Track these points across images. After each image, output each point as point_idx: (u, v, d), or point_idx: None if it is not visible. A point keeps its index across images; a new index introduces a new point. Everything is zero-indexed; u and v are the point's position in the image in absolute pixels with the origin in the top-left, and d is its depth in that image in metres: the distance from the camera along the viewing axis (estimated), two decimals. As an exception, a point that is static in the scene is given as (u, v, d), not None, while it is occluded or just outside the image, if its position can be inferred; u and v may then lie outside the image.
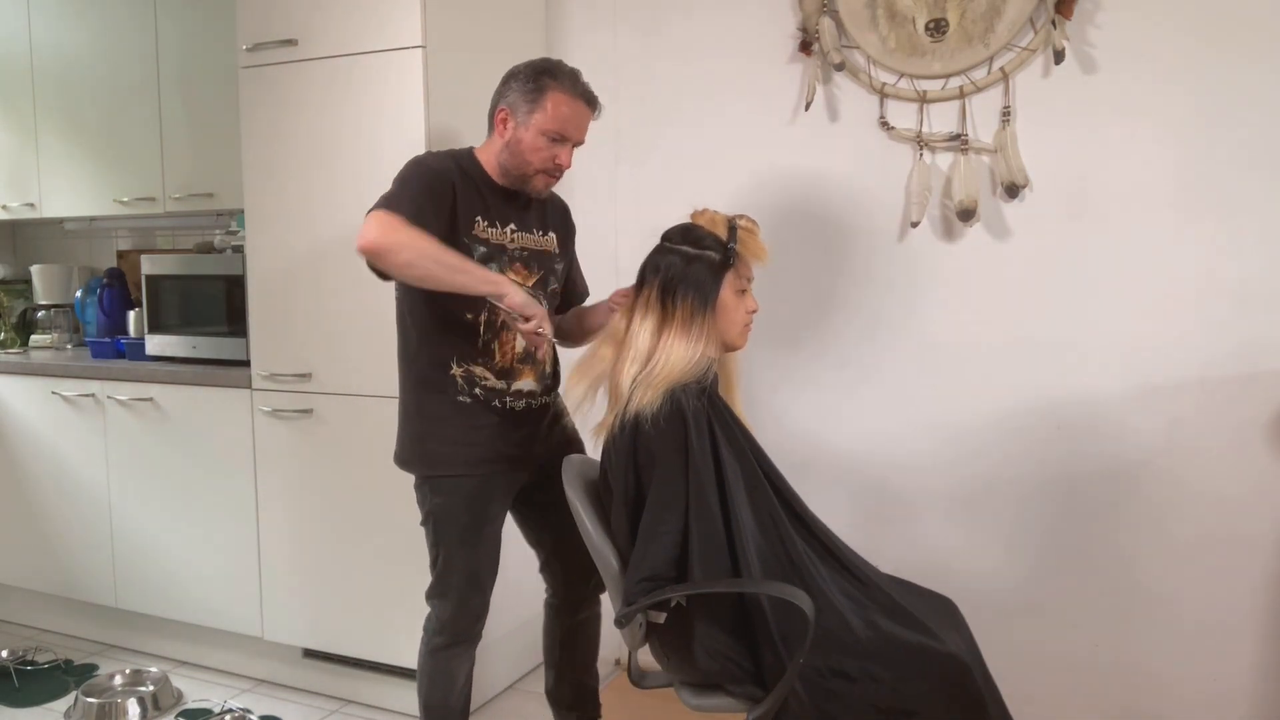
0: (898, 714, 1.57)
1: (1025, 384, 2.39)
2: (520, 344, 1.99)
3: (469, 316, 1.96)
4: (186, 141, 3.03)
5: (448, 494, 2.01)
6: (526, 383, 2.04)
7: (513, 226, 2.02)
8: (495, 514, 2.05)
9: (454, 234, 1.91)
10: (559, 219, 2.15)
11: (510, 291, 1.83)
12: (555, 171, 1.97)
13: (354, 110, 2.43)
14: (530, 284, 2.03)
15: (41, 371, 3.04)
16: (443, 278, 1.80)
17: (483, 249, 1.96)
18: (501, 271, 1.97)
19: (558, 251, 2.11)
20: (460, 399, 1.98)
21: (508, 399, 2.01)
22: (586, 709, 2.33)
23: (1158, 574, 2.31)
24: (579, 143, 1.99)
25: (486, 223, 1.97)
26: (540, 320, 1.84)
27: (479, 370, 1.98)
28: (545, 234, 2.09)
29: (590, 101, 1.96)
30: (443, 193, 1.91)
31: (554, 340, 1.99)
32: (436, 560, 2.07)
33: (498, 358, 1.99)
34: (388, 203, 1.84)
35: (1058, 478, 2.38)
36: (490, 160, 1.99)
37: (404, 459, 2.06)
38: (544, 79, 1.92)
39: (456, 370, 1.98)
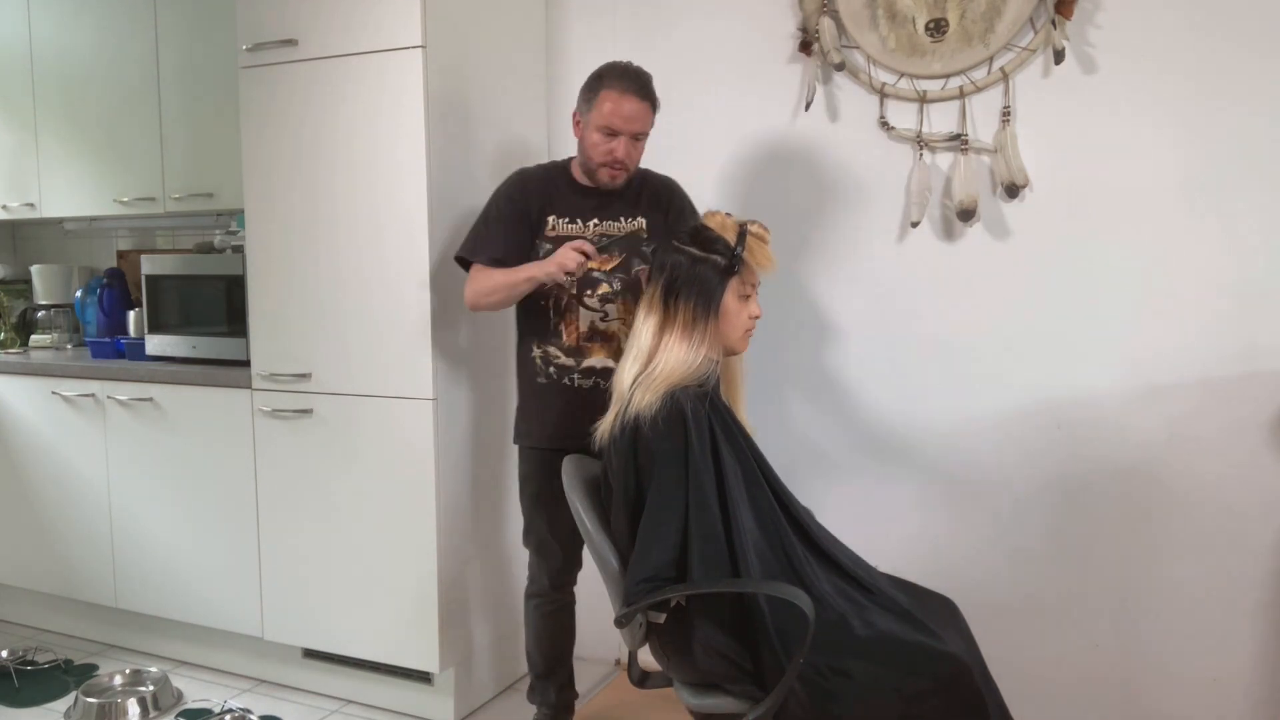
0: (897, 713, 1.57)
1: (1026, 384, 2.39)
2: (584, 322, 2.20)
3: (541, 303, 2.21)
4: (186, 141, 3.03)
5: (526, 463, 2.31)
6: (598, 359, 2.20)
7: (595, 220, 2.21)
8: (560, 488, 2.11)
9: (534, 238, 2.19)
10: (654, 202, 2.26)
11: (536, 274, 2.09)
12: (615, 164, 2.13)
13: (354, 110, 2.43)
14: (609, 268, 2.18)
15: (41, 371, 3.04)
16: (513, 295, 2.16)
17: (549, 246, 2.17)
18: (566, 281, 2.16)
19: (647, 235, 2.23)
20: (539, 380, 2.24)
21: (576, 376, 2.20)
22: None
23: (1157, 573, 2.31)
24: (635, 135, 2.13)
25: (565, 220, 2.20)
26: (561, 268, 2.04)
27: (553, 349, 2.21)
28: (633, 219, 2.22)
29: (643, 95, 2.11)
30: (510, 214, 2.19)
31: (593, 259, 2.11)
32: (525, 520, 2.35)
33: (565, 337, 2.21)
34: (469, 249, 2.22)
35: (1058, 477, 2.38)
36: (576, 164, 2.23)
37: (515, 432, 2.35)
38: (600, 81, 2.12)
39: (537, 352, 2.23)
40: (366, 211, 2.45)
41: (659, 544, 1.64)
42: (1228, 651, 2.27)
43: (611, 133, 2.09)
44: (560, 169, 2.25)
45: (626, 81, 2.09)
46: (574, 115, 2.17)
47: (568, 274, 2.06)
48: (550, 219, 2.19)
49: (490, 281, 2.15)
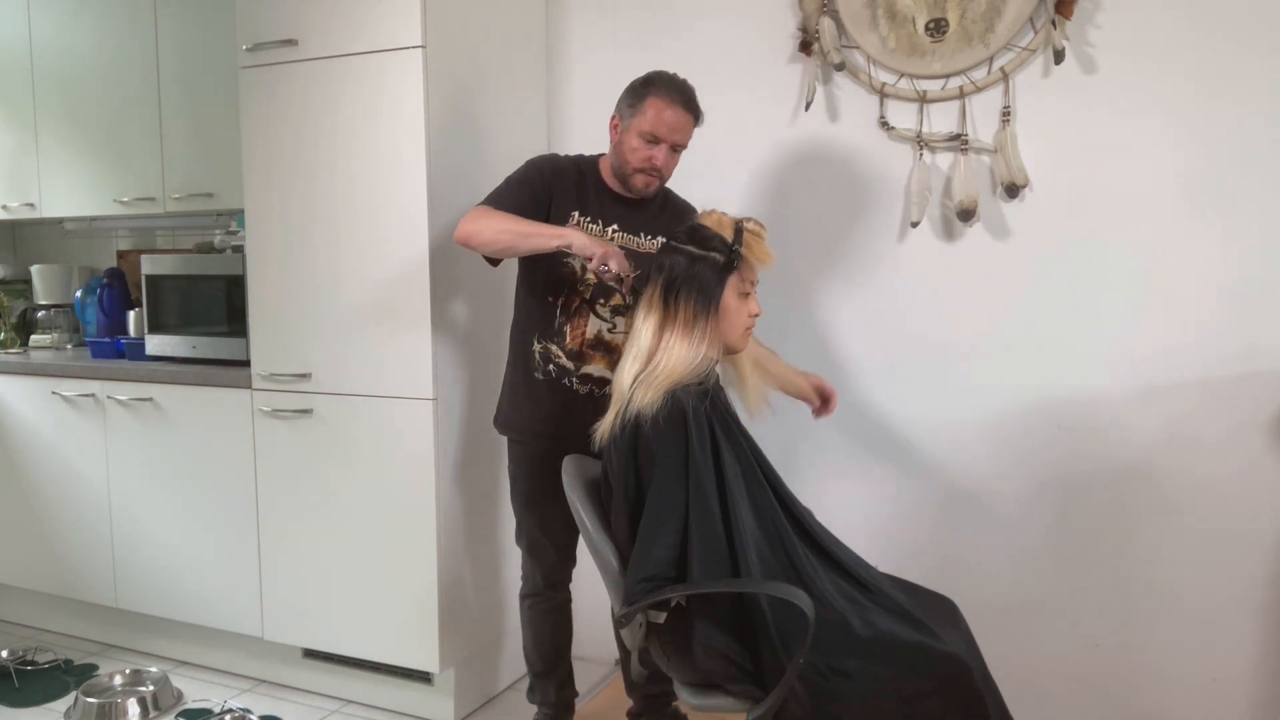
0: (897, 713, 1.57)
1: (1026, 384, 2.39)
2: (591, 329, 2.17)
3: (550, 299, 2.18)
4: (186, 141, 3.03)
5: (515, 460, 2.29)
6: (596, 368, 2.19)
7: (615, 227, 2.18)
8: (556, 486, 2.10)
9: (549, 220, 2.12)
10: (674, 225, 2.19)
11: (575, 239, 1.98)
12: (652, 171, 2.12)
13: (354, 110, 2.43)
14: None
15: (41, 371, 3.04)
16: (519, 244, 2.04)
17: None
18: (588, 267, 2.10)
19: None
20: (536, 374, 2.21)
21: (574, 380, 2.18)
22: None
23: (1157, 573, 2.31)
24: (676, 146, 2.12)
25: (587, 219, 2.17)
26: (602, 258, 1.93)
27: (554, 348, 2.19)
28: (652, 238, 2.20)
29: (688, 107, 2.10)
30: (542, 186, 2.14)
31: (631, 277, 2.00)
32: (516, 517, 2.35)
33: (569, 340, 2.18)
34: (486, 198, 2.12)
35: (1058, 478, 2.38)
36: (605, 163, 2.20)
37: (495, 418, 2.34)
38: (647, 88, 2.09)
39: (537, 347, 2.20)
40: (366, 211, 2.45)
41: (659, 543, 1.64)
42: (1228, 651, 2.27)
43: (654, 140, 2.08)
44: (590, 166, 2.21)
45: (674, 91, 2.08)
46: (612, 119, 2.14)
47: (603, 268, 1.94)
48: (575, 214, 2.16)
49: (508, 221, 2.04)
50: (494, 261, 2.21)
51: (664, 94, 2.07)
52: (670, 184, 2.30)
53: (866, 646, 1.63)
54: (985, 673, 1.70)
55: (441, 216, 2.40)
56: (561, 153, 2.29)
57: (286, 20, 2.49)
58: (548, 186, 2.15)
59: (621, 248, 2.16)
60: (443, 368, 2.44)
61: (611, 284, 2.03)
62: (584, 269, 2.13)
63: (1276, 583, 2.22)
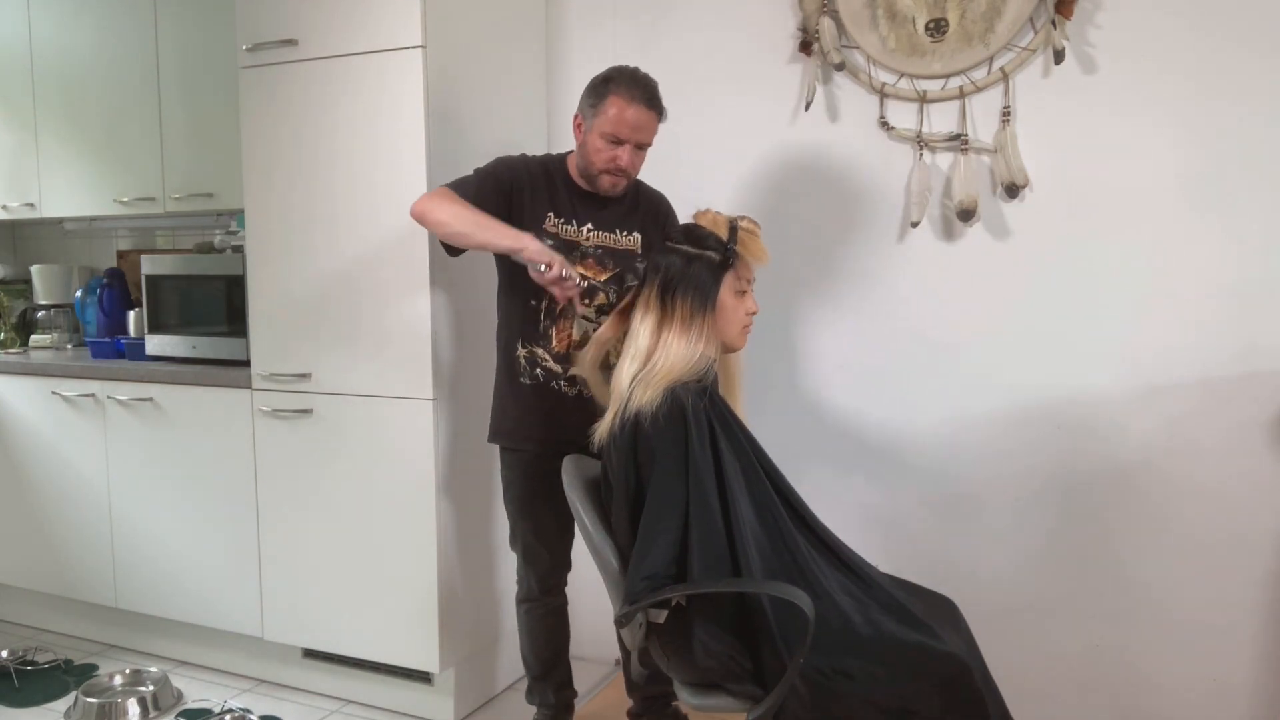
0: (897, 713, 1.57)
1: (1025, 384, 2.39)
2: (577, 331, 2.15)
3: (532, 302, 2.15)
4: (186, 141, 3.03)
5: (508, 466, 2.27)
6: None
7: (590, 226, 2.16)
8: (548, 490, 2.13)
9: (523, 227, 2.07)
10: (649, 219, 2.22)
11: (529, 245, 1.96)
12: (617, 172, 2.09)
13: (354, 110, 2.43)
14: (603, 279, 2.15)
15: (41, 371, 3.04)
16: (473, 233, 2.00)
17: (550, 242, 2.08)
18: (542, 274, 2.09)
19: (640, 251, 2.20)
20: (523, 380, 2.19)
21: (562, 383, 2.17)
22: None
23: (1157, 573, 2.31)
24: (640, 145, 2.09)
25: (561, 220, 2.15)
26: (559, 268, 1.94)
27: (540, 352, 2.17)
28: (628, 234, 2.19)
29: (650, 104, 2.06)
30: (509, 182, 2.11)
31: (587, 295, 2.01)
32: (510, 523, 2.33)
33: (554, 343, 2.16)
34: (451, 182, 2.09)
35: (1058, 478, 2.38)
36: (573, 161, 2.17)
37: (490, 427, 2.31)
38: (606, 86, 2.06)
39: (522, 351, 2.18)
40: (366, 211, 2.45)
41: (659, 542, 1.64)
42: (1228, 652, 2.27)
43: (616, 140, 2.04)
44: (558, 166, 2.19)
45: (635, 88, 2.03)
46: (575, 118, 2.12)
47: (554, 280, 1.94)
48: (550, 215, 2.14)
49: (465, 209, 2.00)
50: (453, 252, 2.16)
51: (624, 92, 2.02)
52: (671, 185, 2.29)
53: (868, 646, 1.63)
54: (985, 673, 1.70)
55: (441, 216, 2.40)
56: (563, 153, 2.29)
57: (286, 20, 2.49)
58: (516, 183, 2.12)
59: (598, 246, 2.16)
60: (442, 367, 2.44)
61: (561, 298, 2.00)
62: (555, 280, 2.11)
63: (1276, 583, 2.22)
